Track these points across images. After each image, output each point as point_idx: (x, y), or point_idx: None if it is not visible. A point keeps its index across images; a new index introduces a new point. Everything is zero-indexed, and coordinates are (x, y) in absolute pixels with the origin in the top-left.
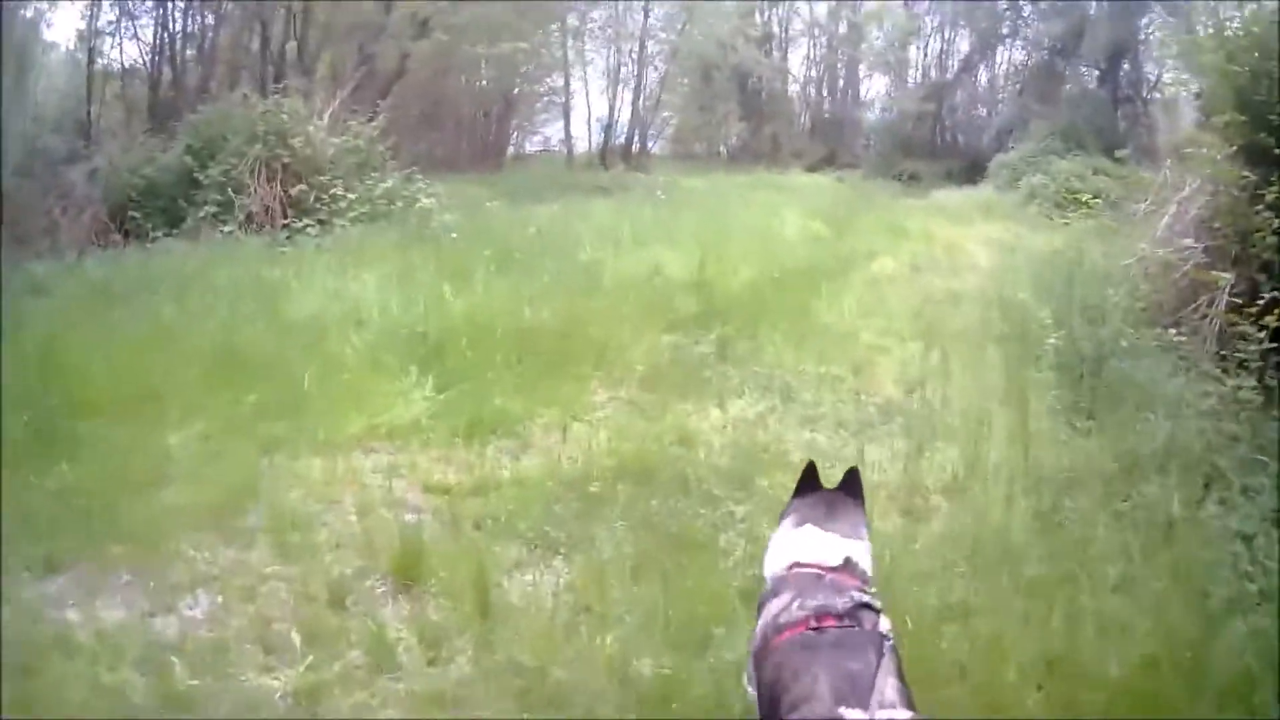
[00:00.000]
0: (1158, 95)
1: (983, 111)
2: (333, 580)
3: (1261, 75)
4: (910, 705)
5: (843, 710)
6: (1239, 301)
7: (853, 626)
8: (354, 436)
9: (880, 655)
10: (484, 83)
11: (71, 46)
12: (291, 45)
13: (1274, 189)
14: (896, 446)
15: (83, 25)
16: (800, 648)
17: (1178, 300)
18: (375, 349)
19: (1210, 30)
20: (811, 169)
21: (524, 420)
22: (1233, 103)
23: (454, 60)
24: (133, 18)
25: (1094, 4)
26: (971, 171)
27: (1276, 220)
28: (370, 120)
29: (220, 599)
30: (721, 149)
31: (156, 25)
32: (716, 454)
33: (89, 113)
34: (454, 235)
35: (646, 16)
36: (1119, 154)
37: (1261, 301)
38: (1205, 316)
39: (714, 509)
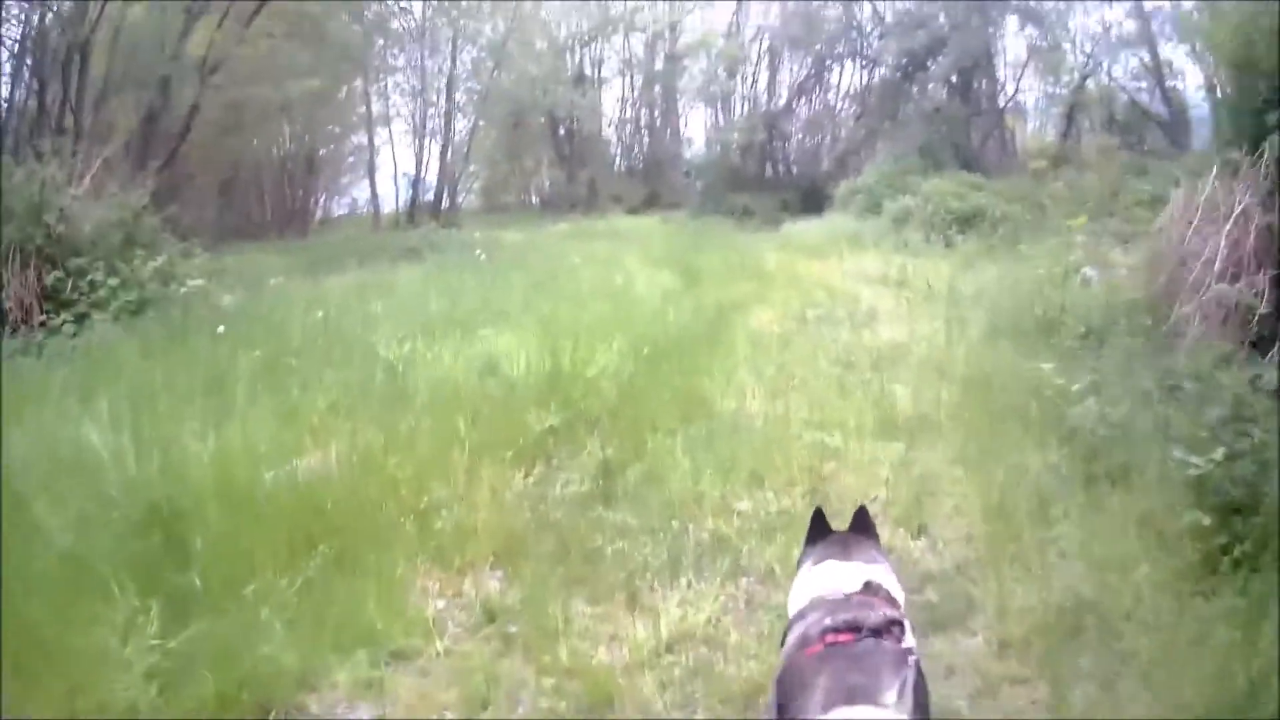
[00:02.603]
0: (1016, 103)
1: (818, 138)
2: None
3: None
4: (916, 710)
5: (834, 712)
6: None
7: (873, 640)
8: None
9: (899, 669)
10: (286, 144)
11: None
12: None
13: None
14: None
15: None
16: (816, 660)
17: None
18: (87, 543)
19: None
20: (632, 211)
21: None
22: None
23: (249, 117)
24: None
25: (943, 19)
26: (809, 200)
27: None
28: (144, 187)
29: None
30: (534, 198)
31: None
32: None
33: None
34: (220, 329)
35: (454, 63)
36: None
37: None
38: None
39: None
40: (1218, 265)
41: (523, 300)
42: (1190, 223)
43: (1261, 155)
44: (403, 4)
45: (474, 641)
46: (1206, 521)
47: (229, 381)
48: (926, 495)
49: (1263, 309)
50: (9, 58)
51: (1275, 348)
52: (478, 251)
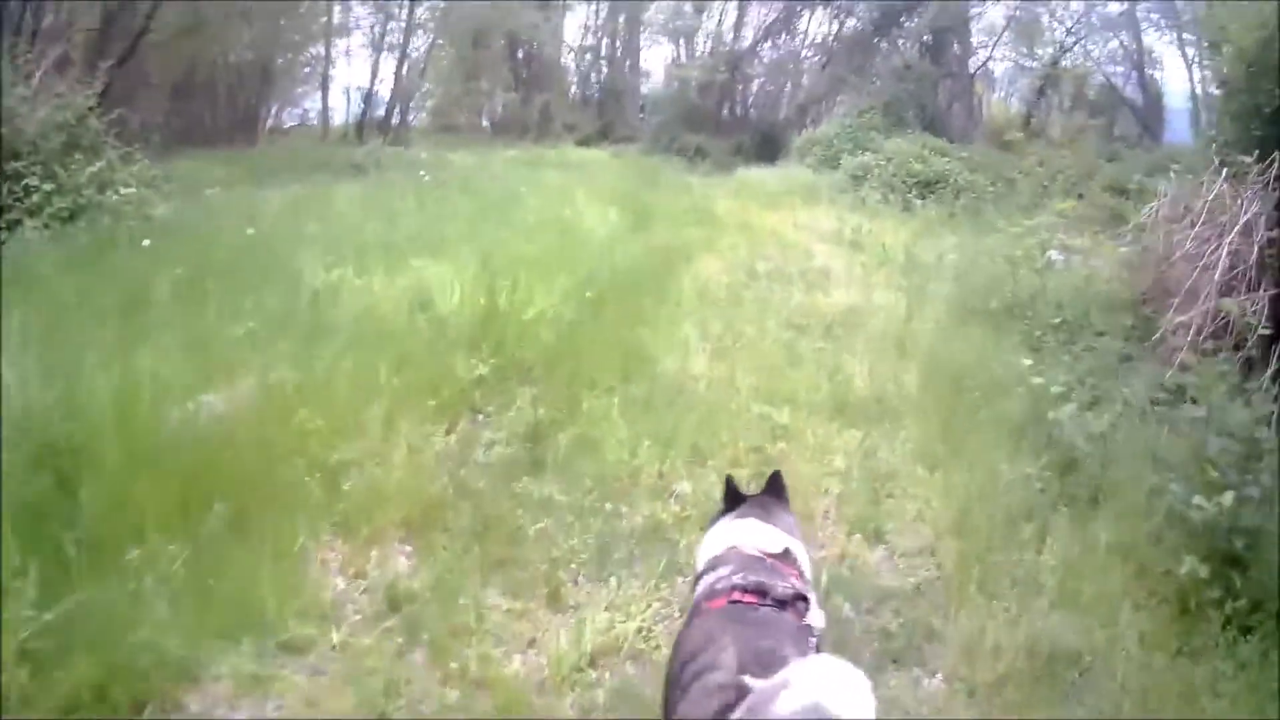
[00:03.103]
0: (987, 71)
1: (781, 84)
2: None
3: None
4: None
5: (745, 678)
6: None
7: (775, 609)
8: None
9: (801, 645)
10: (243, 50)
11: None
12: None
13: None
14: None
15: None
16: (724, 618)
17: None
18: None
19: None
20: (584, 143)
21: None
22: None
23: (210, 17)
24: None
25: None
26: (765, 148)
27: None
28: (91, 88)
29: None
30: (485, 121)
31: None
32: None
33: None
34: (146, 243)
35: None
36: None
37: None
38: None
39: None
40: (1217, 276)
41: (464, 229)
42: (1191, 224)
43: (1273, 164)
44: None
45: (374, 635)
46: (1204, 573)
47: (146, 302)
48: (885, 496)
49: (1262, 329)
50: None
51: (1268, 373)
52: (422, 173)
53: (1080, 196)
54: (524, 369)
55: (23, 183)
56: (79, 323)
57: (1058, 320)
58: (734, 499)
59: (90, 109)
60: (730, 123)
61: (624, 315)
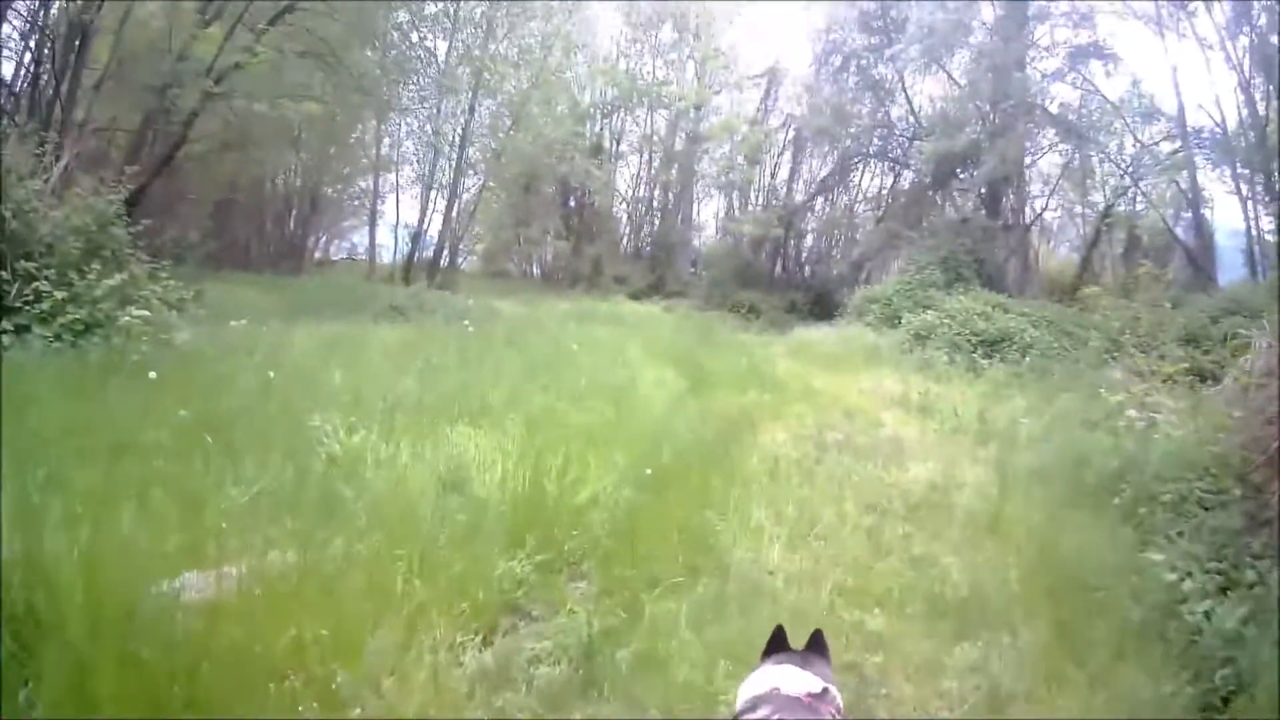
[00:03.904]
0: (1042, 221)
1: (835, 239)
2: None
3: None
4: None
5: None
6: None
7: None
8: None
9: None
10: (292, 176)
11: None
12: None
13: None
14: None
15: None
16: None
17: None
18: None
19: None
20: (635, 296)
21: None
22: None
23: (254, 134)
24: None
25: (980, 124)
26: (820, 305)
27: None
28: (116, 193)
29: None
30: (535, 269)
31: None
32: None
33: None
34: (153, 375)
35: (472, 113)
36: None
37: None
38: None
39: None
40: None
41: (509, 391)
42: None
43: None
44: (427, 44)
45: None
46: None
47: (139, 447)
48: None
49: None
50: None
51: None
52: (466, 323)
53: (1147, 350)
54: (574, 563)
55: (33, 285)
56: (63, 461)
57: (1165, 495)
58: (774, 647)
59: (117, 216)
60: (783, 279)
61: (688, 496)
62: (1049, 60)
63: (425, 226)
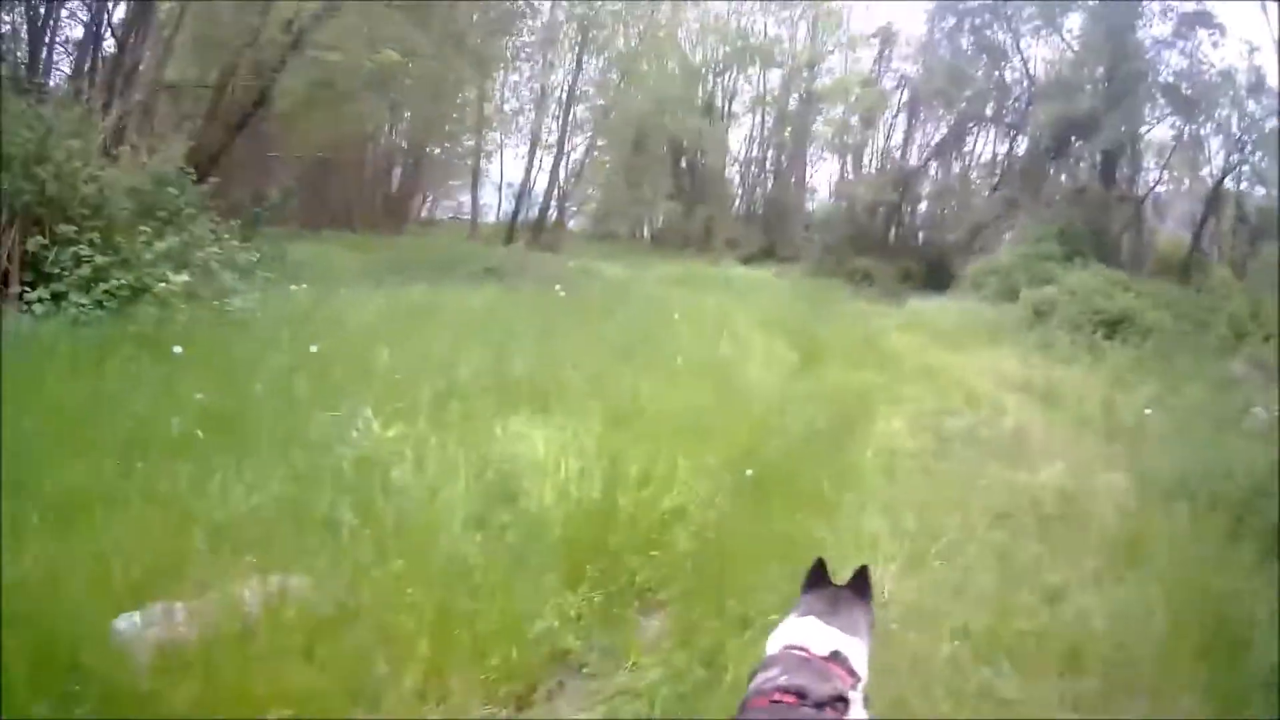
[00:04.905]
0: (1156, 195)
1: (950, 206)
2: None
3: None
4: None
5: None
6: None
7: (814, 710)
8: None
9: None
10: (393, 136)
11: None
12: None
13: None
14: None
15: None
16: (764, 716)
17: None
18: None
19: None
20: (747, 260)
21: None
22: None
23: (341, 89)
24: None
25: (1095, 89)
26: (934, 275)
27: None
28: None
29: None
30: (646, 231)
31: None
32: None
33: None
34: (178, 350)
35: (579, 70)
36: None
37: None
38: None
39: None
40: None
41: (594, 369)
42: None
43: None
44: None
45: None
46: None
47: (137, 440)
48: None
49: None
50: None
51: None
52: (557, 287)
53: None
54: (650, 590)
55: (71, 250)
56: (50, 452)
57: None
58: (813, 582)
59: (181, 174)
60: (897, 246)
61: (793, 502)
62: (1160, 25)
63: (530, 185)
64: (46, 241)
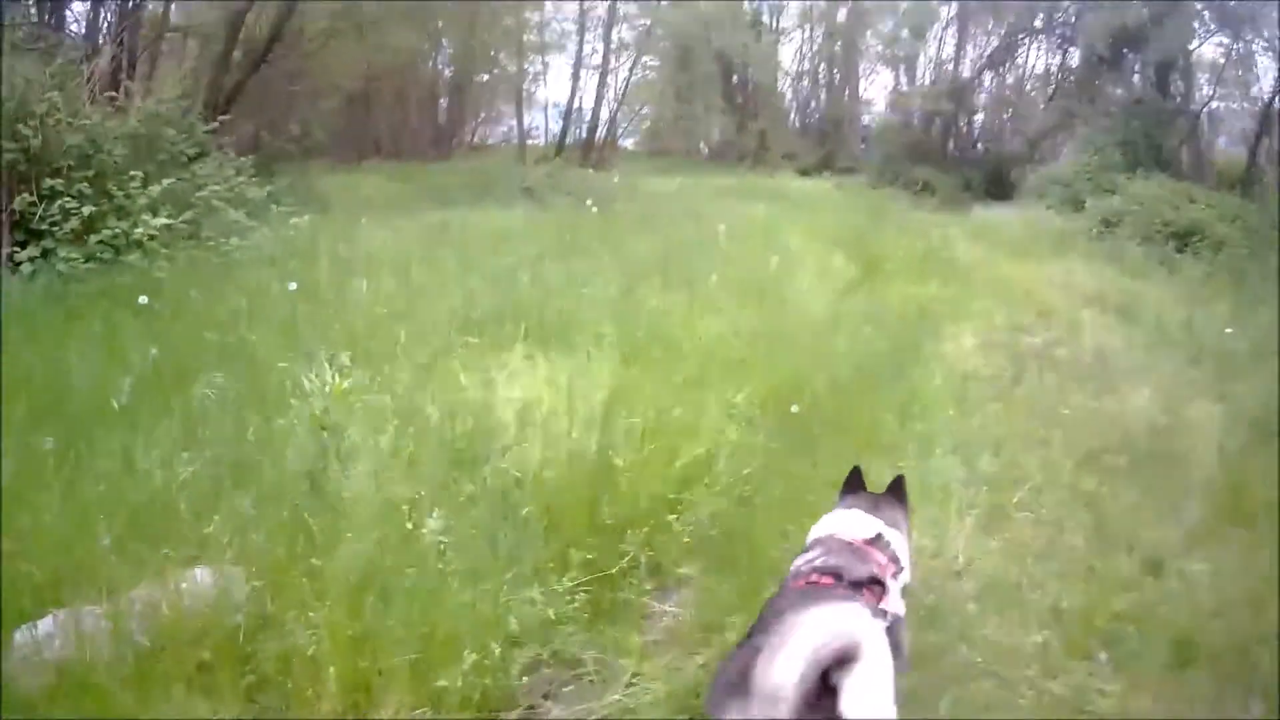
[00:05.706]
0: (1211, 110)
1: (1006, 117)
2: None
3: None
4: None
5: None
6: None
7: (850, 590)
8: None
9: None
10: (435, 64)
11: None
12: None
13: None
14: None
15: None
16: (798, 595)
17: None
18: None
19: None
20: (805, 173)
21: None
22: None
23: (375, 24)
24: None
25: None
26: (995, 184)
27: None
28: (183, 93)
29: None
30: (702, 147)
31: None
32: None
33: None
34: (143, 300)
35: None
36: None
37: None
38: None
39: None
40: None
41: (615, 292)
42: None
43: None
44: None
45: None
46: None
47: (86, 408)
48: None
49: None
50: None
51: None
52: (589, 202)
53: None
54: (661, 568)
55: (57, 203)
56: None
57: None
58: (850, 488)
59: (182, 115)
60: (956, 157)
61: (848, 442)
62: None
63: (577, 106)
64: (34, 198)
